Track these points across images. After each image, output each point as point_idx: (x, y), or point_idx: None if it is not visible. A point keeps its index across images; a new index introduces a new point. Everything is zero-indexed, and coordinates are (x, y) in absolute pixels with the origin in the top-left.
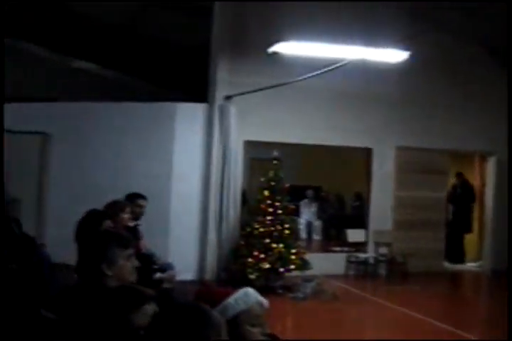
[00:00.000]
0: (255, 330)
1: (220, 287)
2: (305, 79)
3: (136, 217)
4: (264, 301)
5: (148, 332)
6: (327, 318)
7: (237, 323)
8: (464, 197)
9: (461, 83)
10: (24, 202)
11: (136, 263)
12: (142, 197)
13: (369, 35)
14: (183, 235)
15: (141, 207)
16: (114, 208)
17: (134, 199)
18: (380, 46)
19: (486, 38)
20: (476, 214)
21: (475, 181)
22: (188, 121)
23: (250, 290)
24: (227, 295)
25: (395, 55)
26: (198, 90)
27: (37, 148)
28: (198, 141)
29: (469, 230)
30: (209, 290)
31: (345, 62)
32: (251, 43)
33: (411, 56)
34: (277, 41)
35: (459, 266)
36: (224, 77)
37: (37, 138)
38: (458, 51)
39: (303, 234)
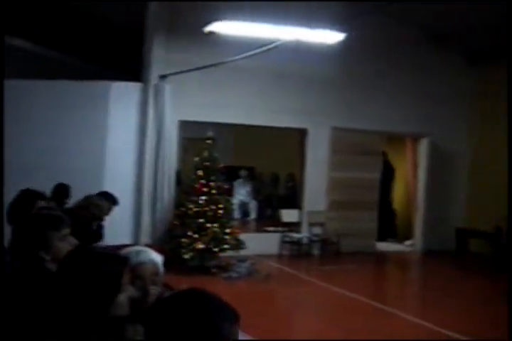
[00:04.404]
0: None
1: None
2: (239, 59)
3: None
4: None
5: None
6: (258, 298)
7: None
8: (384, 175)
9: (398, 67)
10: None
11: (74, 241)
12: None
13: (307, 16)
14: (116, 215)
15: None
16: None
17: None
18: (316, 27)
19: (428, 24)
20: (399, 194)
21: (408, 162)
22: (122, 99)
23: (144, 249)
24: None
25: (330, 37)
26: (134, 69)
27: None
28: (133, 120)
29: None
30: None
31: (279, 42)
32: (187, 22)
33: (348, 38)
34: (213, 20)
35: (392, 246)
36: (159, 57)
37: None
38: (398, 35)
39: (237, 214)
